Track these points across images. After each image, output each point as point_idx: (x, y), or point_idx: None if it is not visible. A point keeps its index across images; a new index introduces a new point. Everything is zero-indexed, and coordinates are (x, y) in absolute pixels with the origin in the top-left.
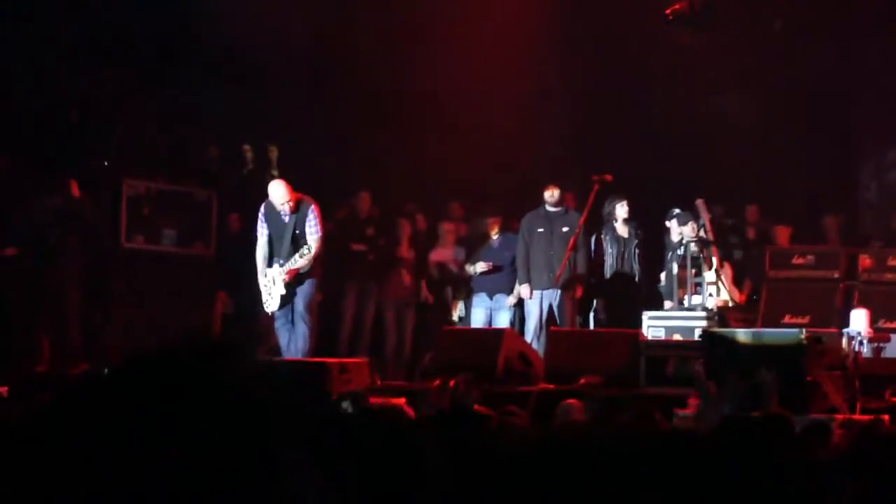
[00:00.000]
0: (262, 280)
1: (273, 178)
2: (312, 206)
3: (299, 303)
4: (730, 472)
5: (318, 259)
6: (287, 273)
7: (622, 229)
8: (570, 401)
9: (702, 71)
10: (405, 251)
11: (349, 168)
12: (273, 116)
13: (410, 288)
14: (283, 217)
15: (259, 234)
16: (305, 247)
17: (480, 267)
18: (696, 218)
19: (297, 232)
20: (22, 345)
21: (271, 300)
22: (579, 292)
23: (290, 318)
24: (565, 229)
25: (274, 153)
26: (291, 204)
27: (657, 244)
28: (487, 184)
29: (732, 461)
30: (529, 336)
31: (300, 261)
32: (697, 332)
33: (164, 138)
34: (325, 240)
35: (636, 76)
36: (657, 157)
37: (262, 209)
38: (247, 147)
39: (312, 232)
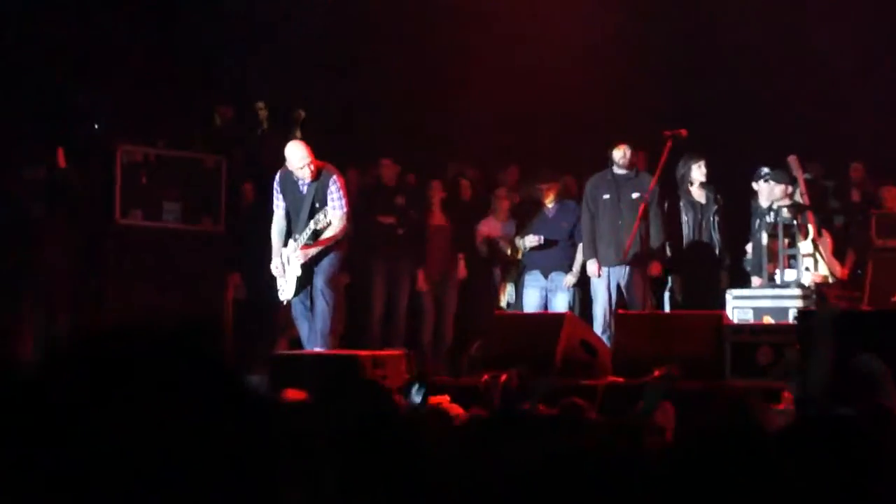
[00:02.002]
0: (275, 262)
1: (296, 139)
2: (335, 177)
3: (319, 279)
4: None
5: (342, 238)
6: (302, 248)
7: (699, 194)
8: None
9: (790, 4)
10: (438, 218)
11: (381, 131)
12: (297, 74)
13: (448, 263)
14: (300, 186)
15: (275, 208)
16: (321, 213)
17: (530, 241)
18: (789, 178)
19: (317, 205)
20: (2, 334)
21: (286, 286)
22: (652, 269)
23: (308, 304)
24: (635, 195)
25: (301, 116)
26: (312, 169)
27: (742, 210)
28: (543, 143)
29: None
30: (598, 322)
31: (321, 235)
32: (792, 314)
33: (165, 96)
34: (347, 185)
35: (713, 11)
36: (740, 107)
37: (277, 178)
38: (260, 105)
39: (336, 206)
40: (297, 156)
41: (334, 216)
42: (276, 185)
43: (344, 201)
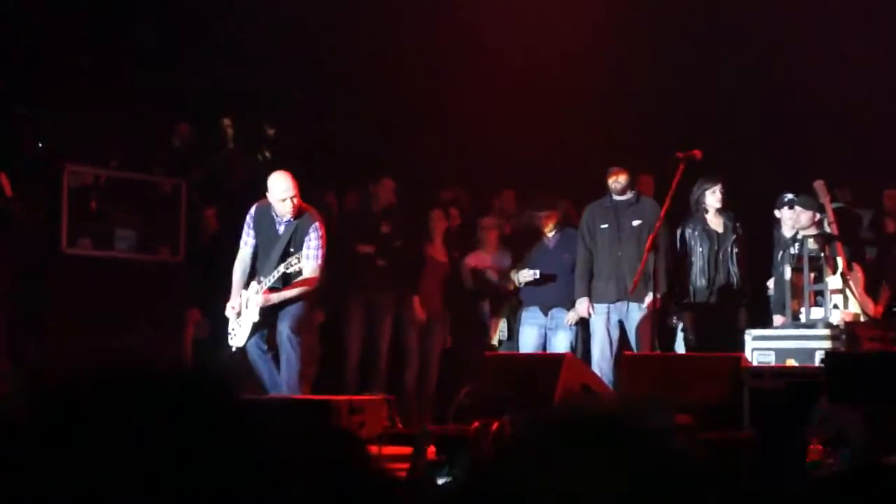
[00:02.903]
0: (232, 302)
1: (266, 159)
2: (317, 224)
3: (284, 325)
4: None
5: (312, 289)
6: (265, 293)
7: (715, 222)
8: None
9: (816, 10)
10: (439, 252)
11: (363, 152)
12: (268, 88)
13: (441, 301)
14: (277, 225)
15: (243, 244)
16: (294, 257)
17: (525, 276)
18: (816, 205)
19: (292, 249)
20: None
21: (238, 331)
22: (659, 305)
23: (264, 346)
24: (637, 223)
25: (271, 133)
26: (294, 204)
27: (763, 241)
28: (542, 169)
29: None
30: (596, 363)
31: (287, 292)
32: (819, 356)
33: (118, 111)
34: (327, 237)
35: (731, 22)
36: (761, 126)
37: (252, 211)
38: (226, 121)
39: (311, 256)
40: (280, 187)
41: (307, 266)
42: (249, 220)
43: (320, 252)
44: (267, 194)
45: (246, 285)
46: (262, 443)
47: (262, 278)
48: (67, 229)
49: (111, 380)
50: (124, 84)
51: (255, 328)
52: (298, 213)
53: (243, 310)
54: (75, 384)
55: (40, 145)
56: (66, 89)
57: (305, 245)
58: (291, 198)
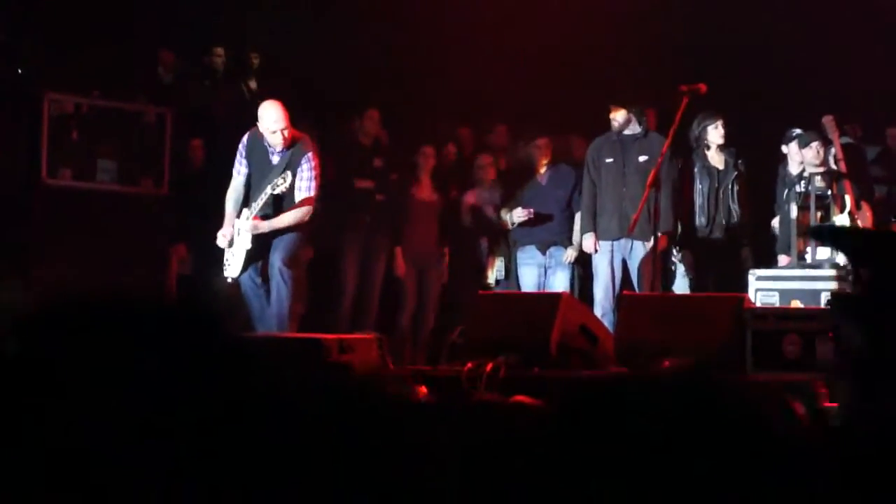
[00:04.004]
0: (225, 230)
1: (250, 91)
2: (310, 154)
3: (276, 256)
4: None
5: (303, 219)
6: (254, 219)
7: (716, 158)
8: None
9: None
10: (427, 190)
11: (354, 82)
12: (257, 13)
13: (436, 239)
14: (269, 154)
15: (235, 173)
16: (281, 177)
17: (518, 215)
18: (824, 141)
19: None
20: None
21: (232, 260)
22: (663, 243)
23: (258, 280)
24: (643, 158)
25: (255, 60)
26: (286, 135)
27: (768, 178)
28: (539, 102)
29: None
30: (598, 304)
31: (277, 219)
32: (825, 297)
33: (100, 38)
34: (321, 167)
35: None
36: (766, 58)
37: (244, 140)
38: (218, 51)
39: (302, 188)
40: (271, 117)
41: (299, 196)
42: (241, 149)
43: (314, 184)
44: (258, 124)
45: (238, 214)
46: (254, 379)
47: (251, 202)
48: (47, 159)
49: (91, 311)
50: (108, 9)
51: (249, 257)
52: (291, 143)
53: (235, 238)
54: (55, 314)
55: (19, 72)
56: (47, 14)
57: (298, 175)
58: (282, 129)
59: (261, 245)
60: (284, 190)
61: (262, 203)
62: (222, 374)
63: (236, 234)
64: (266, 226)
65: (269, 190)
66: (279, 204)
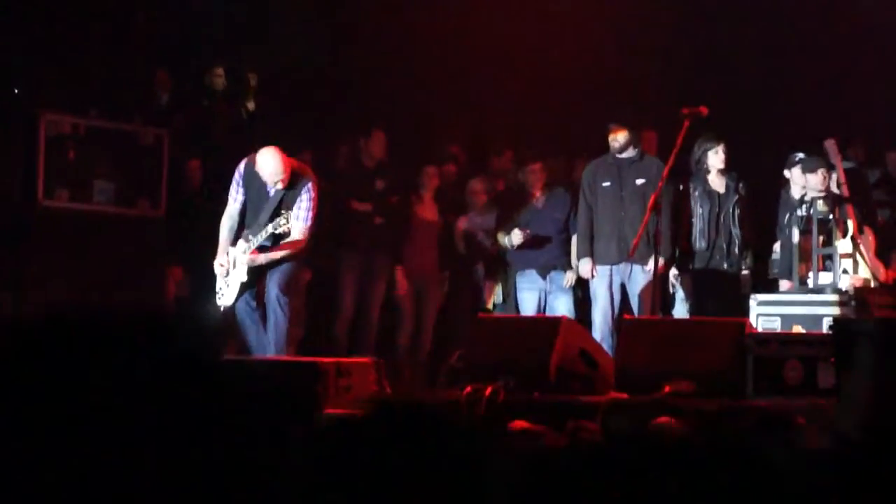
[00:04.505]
0: (220, 259)
1: (248, 112)
2: (309, 185)
3: (273, 284)
4: None
5: (300, 251)
6: (252, 253)
7: (717, 182)
8: (664, 419)
9: None
10: (430, 210)
11: (355, 104)
12: (254, 33)
13: (436, 261)
14: (268, 188)
15: (231, 199)
16: (283, 217)
17: (517, 237)
18: (826, 165)
19: (283, 211)
20: None
21: (226, 290)
22: (663, 267)
23: (253, 303)
24: (640, 181)
25: (253, 80)
26: (284, 179)
27: (769, 202)
28: (542, 125)
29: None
30: (597, 328)
31: (274, 253)
32: (827, 323)
33: (98, 57)
34: (319, 198)
35: None
36: (768, 81)
37: (240, 168)
38: (218, 71)
39: (300, 217)
40: (269, 168)
41: (296, 227)
42: (238, 176)
43: (311, 214)
44: (256, 154)
45: (233, 242)
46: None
47: (250, 236)
48: (44, 180)
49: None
50: (105, 28)
51: (244, 288)
52: (290, 181)
53: (231, 269)
54: (45, 324)
55: (15, 91)
56: (43, 32)
57: (296, 205)
58: (281, 179)
59: (254, 274)
60: (287, 230)
61: (261, 239)
62: (196, 395)
63: (231, 266)
64: (263, 258)
65: (269, 228)
66: (276, 235)
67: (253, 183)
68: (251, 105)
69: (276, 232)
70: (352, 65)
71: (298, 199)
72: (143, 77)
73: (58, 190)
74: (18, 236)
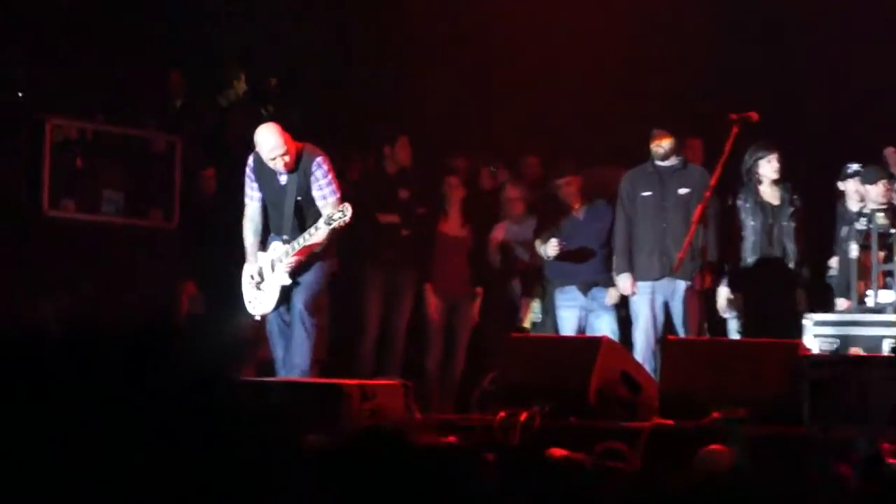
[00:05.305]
0: (250, 267)
1: (269, 115)
2: (319, 159)
3: (298, 299)
4: None
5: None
6: (296, 254)
7: (769, 193)
8: (714, 447)
9: None
10: (456, 224)
11: (379, 109)
12: (273, 34)
13: (467, 277)
14: (278, 176)
15: (248, 199)
16: (313, 227)
17: (552, 248)
18: (886, 176)
19: (300, 198)
20: None
21: (262, 297)
22: (709, 284)
23: (287, 320)
24: (684, 191)
25: (273, 84)
26: (288, 158)
27: (825, 215)
28: (574, 131)
29: None
30: (638, 349)
31: (315, 235)
32: (888, 344)
33: (106, 58)
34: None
35: None
36: (824, 86)
37: (250, 162)
38: (237, 73)
39: (325, 195)
40: (268, 144)
41: (326, 205)
42: (249, 172)
43: (334, 186)
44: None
45: (263, 245)
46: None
47: (285, 236)
48: (49, 190)
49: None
50: (113, 27)
51: (284, 293)
52: (296, 160)
53: (268, 274)
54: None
55: (19, 94)
56: (48, 33)
57: (316, 186)
58: (282, 155)
59: (290, 285)
60: (343, 223)
61: (303, 242)
62: (208, 418)
63: (268, 270)
64: (306, 254)
65: (307, 237)
66: (303, 220)
67: (264, 174)
68: (271, 108)
69: (332, 224)
70: (372, 68)
71: (314, 179)
72: (155, 79)
73: (64, 199)
74: (22, 249)
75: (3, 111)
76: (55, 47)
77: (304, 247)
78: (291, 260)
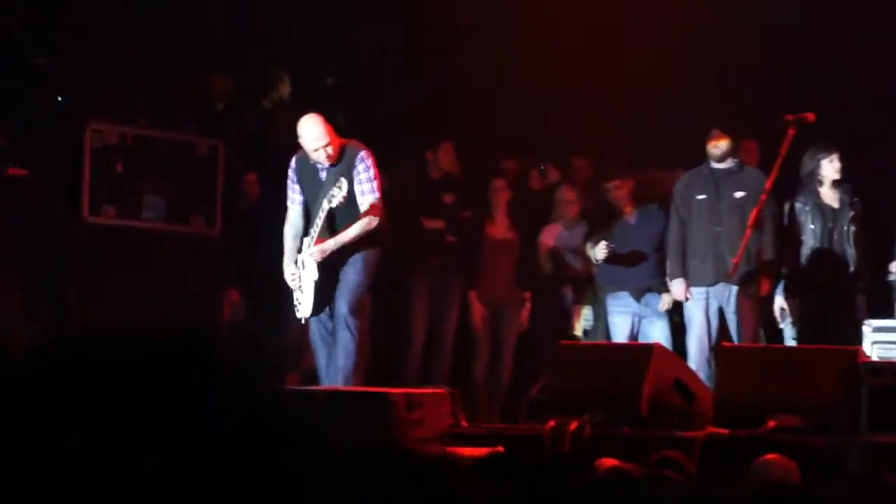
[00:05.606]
0: (289, 269)
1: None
2: (363, 154)
3: (342, 302)
4: None
5: (376, 232)
6: (316, 242)
7: (830, 195)
8: (770, 456)
9: None
10: (503, 227)
11: (425, 111)
12: (323, 34)
13: (514, 282)
14: (319, 172)
15: (290, 202)
16: (336, 188)
17: (601, 251)
18: None
19: (338, 185)
20: None
21: (303, 298)
22: (766, 289)
23: (329, 327)
24: (740, 194)
25: (329, 84)
26: (331, 151)
27: (887, 217)
28: (625, 134)
29: None
30: (693, 357)
31: (342, 235)
32: None
33: (148, 62)
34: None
35: None
36: (885, 84)
37: (292, 163)
38: (283, 76)
39: (364, 191)
40: (311, 134)
41: (363, 202)
42: (291, 174)
43: (375, 184)
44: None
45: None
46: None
47: (311, 229)
48: (90, 195)
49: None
50: (154, 29)
51: (319, 291)
52: (339, 155)
53: (301, 272)
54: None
55: (59, 100)
56: (87, 36)
57: (356, 179)
58: (325, 146)
59: (329, 283)
60: (343, 200)
61: (321, 224)
62: (250, 430)
63: (301, 268)
64: (332, 243)
65: (325, 205)
66: (333, 224)
67: (305, 175)
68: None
69: (333, 205)
70: (417, 71)
71: (355, 171)
72: (197, 82)
73: (104, 205)
74: (62, 256)
75: (43, 116)
76: (95, 51)
77: (322, 238)
78: (314, 250)
